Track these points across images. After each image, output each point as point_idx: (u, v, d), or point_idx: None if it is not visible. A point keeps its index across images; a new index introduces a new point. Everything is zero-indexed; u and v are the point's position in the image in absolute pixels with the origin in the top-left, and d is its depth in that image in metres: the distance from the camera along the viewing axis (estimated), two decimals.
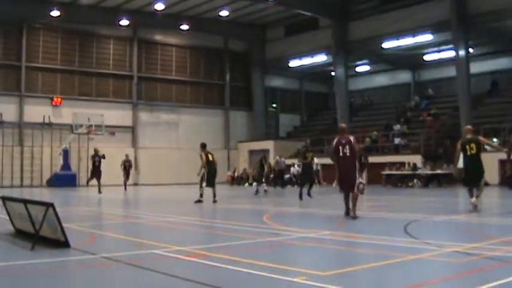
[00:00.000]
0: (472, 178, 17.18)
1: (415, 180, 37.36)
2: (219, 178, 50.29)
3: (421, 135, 42.98)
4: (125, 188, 36.34)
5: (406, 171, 38.33)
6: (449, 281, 7.74)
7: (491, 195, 17.29)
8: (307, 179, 26.07)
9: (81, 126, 44.94)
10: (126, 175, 37.67)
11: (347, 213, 15.56)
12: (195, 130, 51.57)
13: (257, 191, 30.53)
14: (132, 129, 49.97)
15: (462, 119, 39.98)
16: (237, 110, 56.31)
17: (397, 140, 44.17)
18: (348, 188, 15.55)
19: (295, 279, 7.40)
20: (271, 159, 49.31)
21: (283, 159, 39.80)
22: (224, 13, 48.33)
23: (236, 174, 50.53)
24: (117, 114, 48.13)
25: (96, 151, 32.52)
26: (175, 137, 51.55)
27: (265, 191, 31.47)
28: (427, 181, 37.02)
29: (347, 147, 15.28)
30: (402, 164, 39.20)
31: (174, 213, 18.98)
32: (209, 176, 23.62)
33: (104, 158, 31.96)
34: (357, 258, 9.68)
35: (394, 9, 44.55)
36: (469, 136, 17.40)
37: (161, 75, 51.91)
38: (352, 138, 15.71)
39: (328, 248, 10.86)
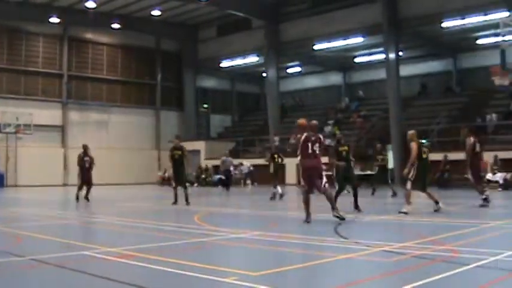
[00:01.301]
0: (425, 182, 17.57)
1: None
2: (149, 179, 50.29)
3: (351, 137, 43.39)
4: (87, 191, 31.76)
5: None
6: (378, 280, 7.85)
7: (421, 195, 17.57)
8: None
9: (9, 125, 44.05)
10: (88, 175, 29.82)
11: (308, 215, 14.56)
12: (125, 130, 51.22)
13: (274, 195, 25.18)
14: (62, 129, 49.18)
15: (392, 120, 40.59)
16: (168, 110, 55.97)
17: (327, 141, 44.41)
18: (316, 188, 14.92)
19: (225, 280, 7.41)
20: (202, 161, 49.31)
21: (230, 158, 39.65)
22: (156, 12, 47.98)
23: (167, 174, 50.16)
24: (46, 114, 47.19)
25: (85, 149, 26.89)
26: (105, 137, 50.88)
27: (280, 195, 25.29)
28: (358, 182, 37.35)
29: (317, 144, 14.74)
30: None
31: (104, 214, 18.78)
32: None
33: (93, 162, 26.61)
34: (288, 258, 9.72)
35: (325, 11, 44.83)
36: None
37: (92, 74, 51.24)
38: (321, 136, 15.24)
39: (259, 249, 10.89)
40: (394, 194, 26.14)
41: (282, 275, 8.09)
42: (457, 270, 7.91)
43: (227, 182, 37.10)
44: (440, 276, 7.52)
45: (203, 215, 17.80)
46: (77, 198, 25.20)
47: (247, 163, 44.21)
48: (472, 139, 19.69)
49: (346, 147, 19.06)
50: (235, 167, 42.55)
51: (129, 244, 11.10)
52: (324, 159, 15.79)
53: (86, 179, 25.84)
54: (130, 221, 16.54)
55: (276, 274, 8.13)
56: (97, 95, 51.25)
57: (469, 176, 19.67)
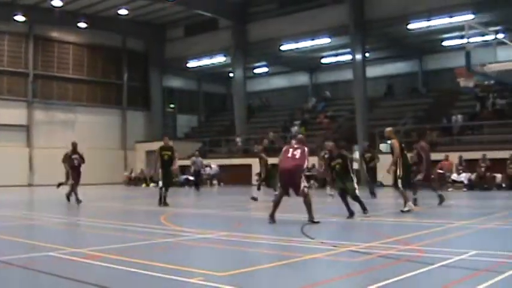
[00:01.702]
0: (408, 179, 17.68)
1: (311, 181, 37.80)
2: (116, 179, 49.96)
3: (318, 137, 43.50)
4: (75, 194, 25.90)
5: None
6: (344, 279, 7.89)
7: (388, 195, 17.68)
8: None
9: None
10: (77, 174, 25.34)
11: (272, 215, 14.50)
12: (91, 130, 50.69)
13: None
14: (27, 128, 48.64)
15: (358, 121, 40.83)
16: (135, 110, 55.66)
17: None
18: (294, 191, 14.86)
19: (191, 280, 7.40)
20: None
21: (200, 159, 39.57)
22: (123, 12, 47.63)
23: (133, 174, 49.98)
24: (11, 113, 46.53)
25: (74, 147, 25.85)
26: (71, 137, 49.96)
27: (255, 198, 24.34)
28: (324, 182, 37.52)
29: (298, 151, 14.86)
30: None
31: (70, 214, 18.64)
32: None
33: (83, 160, 25.25)
34: (254, 259, 9.71)
35: (293, 12, 44.97)
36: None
37: (58, 74, 50.72)
38: (306, 149, 15.07)
39: (225, 249, 10.88)
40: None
41: (248, 275, 8.10)
42: (422, 270, 7.99)
43: (197, 182, 37.10)
44: (405, 275, 7.58)
45: (170, 216, 17.73)
46: (77, 200, 23.72)
47: (214, 165, 44.18)
48: (425, 144, 19.94)
49: (339, 160, 16.29)
50: (202, 167, 42.61)
51: (95, 245, 11.03)
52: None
53: (78, 178, 24.51)
54: (97, 221, 16.42)
55: (242, 274, 8.13)
56: (63, 94, 50.77)
57: (420, 177, 19.79)
